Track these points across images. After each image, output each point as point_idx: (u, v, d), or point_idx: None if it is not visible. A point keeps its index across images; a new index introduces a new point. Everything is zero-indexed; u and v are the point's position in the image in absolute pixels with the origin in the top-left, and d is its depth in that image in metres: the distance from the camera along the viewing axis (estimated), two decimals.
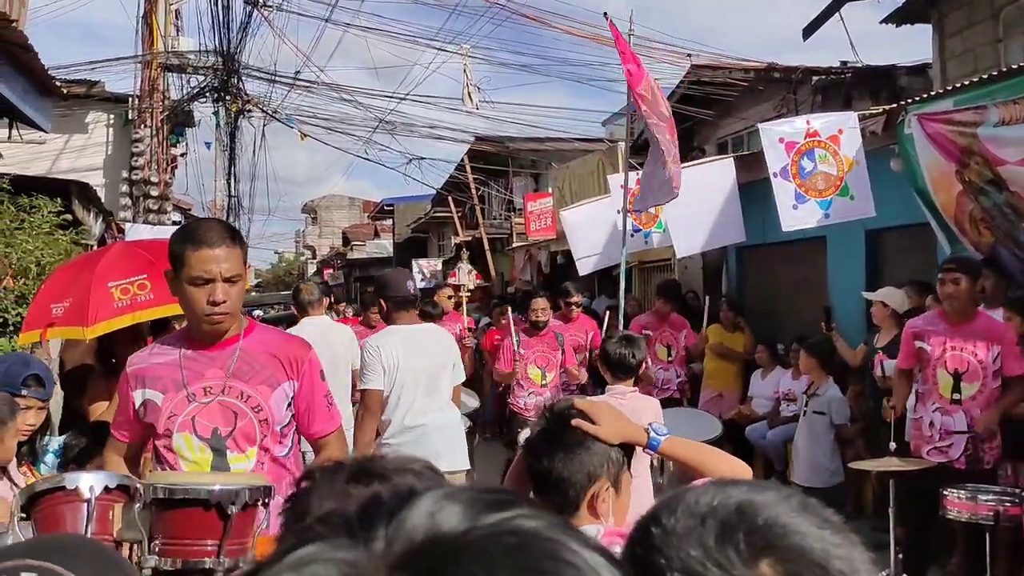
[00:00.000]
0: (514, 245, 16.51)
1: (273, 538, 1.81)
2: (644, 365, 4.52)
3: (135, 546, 1.97)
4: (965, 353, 4.80)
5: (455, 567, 0.49)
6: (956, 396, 4.83)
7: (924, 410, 4.96)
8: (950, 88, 5.93)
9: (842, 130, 6.27)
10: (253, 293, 33.73)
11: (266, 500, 2.03)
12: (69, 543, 1.15)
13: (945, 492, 4.36)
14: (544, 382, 6.69)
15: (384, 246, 34.89)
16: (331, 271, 40.57)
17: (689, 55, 13.44)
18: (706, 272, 10.64)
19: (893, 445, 4.66)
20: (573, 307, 7.62)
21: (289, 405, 2.53)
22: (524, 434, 6.11)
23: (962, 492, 4.33)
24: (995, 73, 5.53)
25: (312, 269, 45.99)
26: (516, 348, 6.63)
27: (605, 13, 6.73)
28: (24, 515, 1.96)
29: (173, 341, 2.58)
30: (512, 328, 6.74)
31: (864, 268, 7.77)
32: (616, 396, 4.20)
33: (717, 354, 8.60)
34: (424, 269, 20.31)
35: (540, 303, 6.81)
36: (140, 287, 3.58)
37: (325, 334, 5.73)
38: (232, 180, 19.82)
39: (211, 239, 2.39)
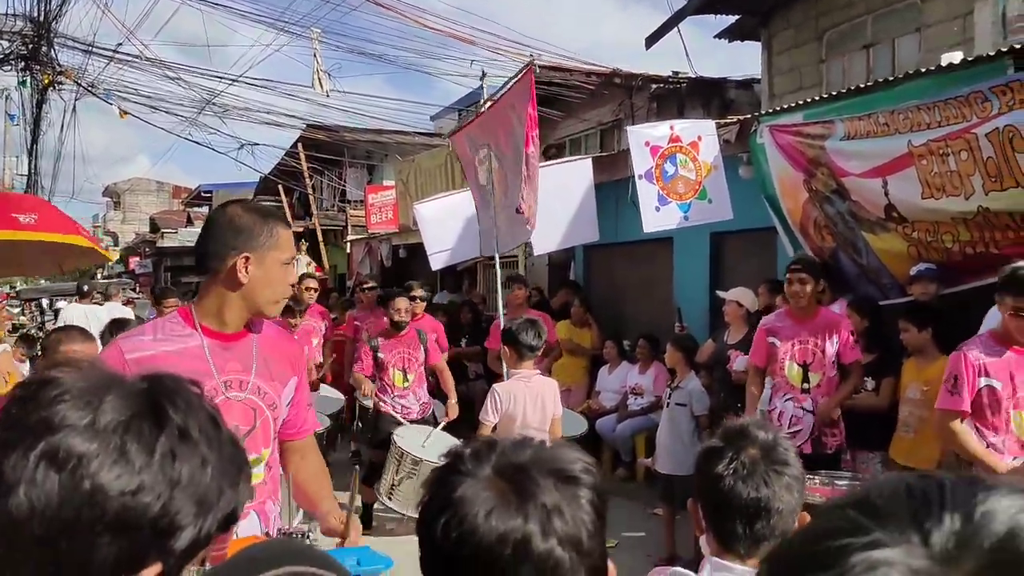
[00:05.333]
0: (350, 238, 16.14)
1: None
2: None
3: None
4: (810, 346, 5.26)
5: None
6: (806, 385, 5.28)
7: (777, 401, 5.36)
8: (801, 102, 6.36)
9: (701, 137, 6.57)
10: (43, 282, 30.82)
11: None
12: (302, 549, 1.01)
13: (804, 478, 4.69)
14: (406, 384, 6.59)
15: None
16: (138, 259, 38.17)
17: (531, 56, 13.71)
18: (552, 270, 10.86)
19: None
20: (418, 301, 7.52)
21: (289, 403, 2.32)
22: (399, 434, 6.02)
23: (818, 478, 4.68)
24: (844, 90, 5.98)
25: (114, 257, 42.95)
26: (375, 354, 6.52)
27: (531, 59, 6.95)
28: None
29: (177, 328, 2.17)
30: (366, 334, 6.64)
31: (708, 269, 8.20)
32: (522, 380, 4.34)
33: (566, 349, 8.80)
34: None
35: (402, 303, 6.67)
36: None
37: None
38: (34, 157, 18.21)
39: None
